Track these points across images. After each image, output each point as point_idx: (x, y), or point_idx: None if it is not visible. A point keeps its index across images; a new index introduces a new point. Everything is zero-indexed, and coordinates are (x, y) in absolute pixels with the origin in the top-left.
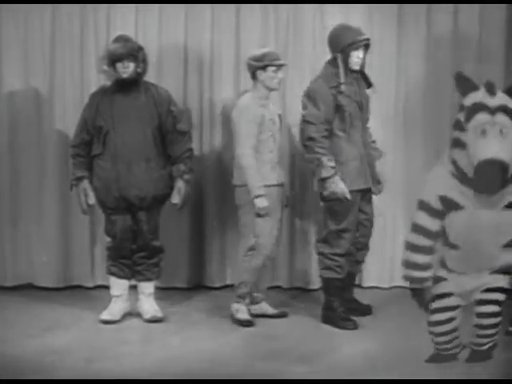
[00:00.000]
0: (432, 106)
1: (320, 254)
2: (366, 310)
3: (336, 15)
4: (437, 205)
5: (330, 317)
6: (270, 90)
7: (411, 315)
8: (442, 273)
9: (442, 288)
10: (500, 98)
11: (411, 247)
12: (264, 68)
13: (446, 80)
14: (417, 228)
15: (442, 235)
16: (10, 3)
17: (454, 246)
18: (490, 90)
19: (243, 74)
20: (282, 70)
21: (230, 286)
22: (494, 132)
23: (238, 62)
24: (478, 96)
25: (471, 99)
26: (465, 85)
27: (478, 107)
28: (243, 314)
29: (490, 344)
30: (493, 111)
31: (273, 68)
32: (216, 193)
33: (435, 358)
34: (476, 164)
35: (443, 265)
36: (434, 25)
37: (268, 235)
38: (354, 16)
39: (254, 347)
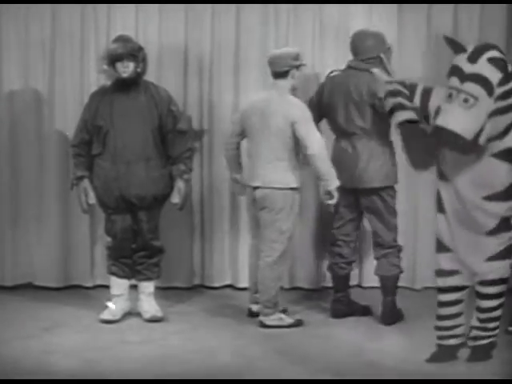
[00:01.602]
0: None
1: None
2: (365, 311)
3: (336, 15)
4: None
5: (398, 314)
6: (295, 89)
7: (411, 315)
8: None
9: (445, 262)
10: (479, 66)
11: None
12: (299, 67)
13: (445, 80)
14: None
15: None
16: (10, 3)
17: (443, 177)
18: (472, 56)
19: (243, 74)
20: None
21: (230, 286)
22: (458, 100)
23: (238, 62)
24: (459, 59)
25: (454, 61)
26: (454, 46)
27: (453, 70)
28: (288, 319)
29: (490, 340)
30: (464, 77)
31: (303, 67)
32: (216, 192)
33: (435, 358)
34: (431, 127)
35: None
36: (434, 25)
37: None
38: (354, 16)
39: (254, 347)
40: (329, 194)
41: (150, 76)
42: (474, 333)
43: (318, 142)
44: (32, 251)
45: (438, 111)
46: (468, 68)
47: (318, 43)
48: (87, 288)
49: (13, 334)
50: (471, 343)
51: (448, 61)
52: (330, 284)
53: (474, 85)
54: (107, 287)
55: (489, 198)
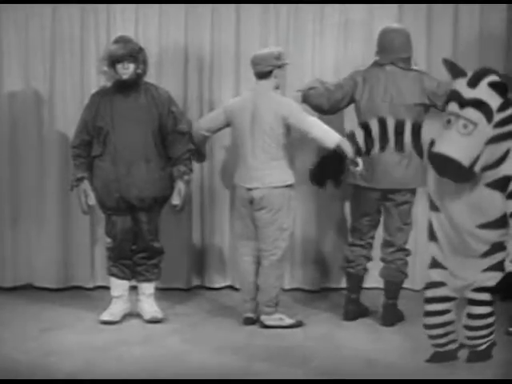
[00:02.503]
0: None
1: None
2: (365, 312)
3: (336, 15)
4: None
5: (399, 315)
6: (277, 88)
7: (411, 315)
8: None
9: (436, 276)
10: (479, 91)
11: None
12: (281, 67)
13: (446, 80)
14: None
15: None
16: (10, 3)
17: (436, 209)
18: (472, 81)
19: (243, 73)
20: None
21: (230, 287)
22: (456, 125)
23: (238, 61)
24: (459, 84)
25: (453, 85)
26: (453, 70)
27: (452, 95)
28: (288, 319)
29: (487, 344)
30: (464, 103)
31: (285, 67)
32: (216, 193)
33: (435, 358)
34: (428, 154)
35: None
36: (435, 25)
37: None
38: (354, 16)
39: (254, 347)
40: (352, 162)
41: (150, 77)
42: (469, 341)
43: (315, 124)
44: (32, 252)
45: (432, 142)
46: (468, 93)
47: (318, 43)
48: (87, 289)
49: (13, 335)
50: (469, 348)
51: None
52: (329, 285)
53: (474, 110)
54: (107, 288)
55: (483, 227)
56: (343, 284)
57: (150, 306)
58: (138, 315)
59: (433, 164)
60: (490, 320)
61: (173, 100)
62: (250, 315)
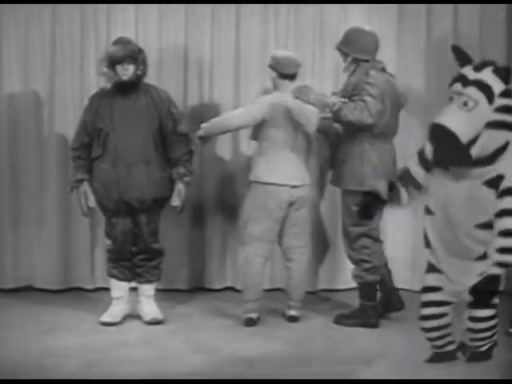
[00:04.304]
0: (432, 105)
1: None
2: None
3: (336, 15)
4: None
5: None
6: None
7: (411, 316)
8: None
9: (431, 280)
10: (483, 74)
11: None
12: None
13: (446, 80)
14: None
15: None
16: (10, 3)
17: (430, 212)
18: (478, 66)
19: (243, 75)
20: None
21: (230, 288)
22: (458, 102)
23: (238, 62)
24: (465, 69)
25: (460, 70)
26: (462, 57)
27: (457, 78)
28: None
29: (489, 345)
30: (466, 83)
31: None
32: (216, 194)
33: (435, 358)
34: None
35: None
36: (434, 25)
37: None
38: (354, 16)
39: (254, 348)
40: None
41: (150, 78)
42: (470, 343)
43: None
44: (32, 254)
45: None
46: (472, 75)
47: (318, 43)
48: (87, 290)
49: (13, 336)
50: (470, 349)
51: (448, 63)
52: (328, 286)
53: (476, 89)
54: (107, 290)
55: (481, 227)
56: (343, 284)
57: (150, 308)
58: (138, 316)
59: (431, 135)
60: (493, 322)
61: (173, 101)
62: (253, 316)
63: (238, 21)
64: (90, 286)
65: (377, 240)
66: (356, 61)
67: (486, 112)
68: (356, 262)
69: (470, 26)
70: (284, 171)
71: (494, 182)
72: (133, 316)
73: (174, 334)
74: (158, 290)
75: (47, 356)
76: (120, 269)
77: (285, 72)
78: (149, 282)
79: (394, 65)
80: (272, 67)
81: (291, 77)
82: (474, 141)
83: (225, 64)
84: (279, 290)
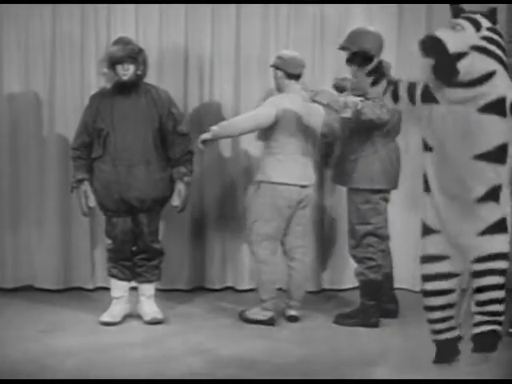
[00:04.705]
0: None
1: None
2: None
3: (336, 15)
4: None
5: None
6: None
7: (411, 316)
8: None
9: (432, 246)
10: (473, 15)
11: None
12: None
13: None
14: None
15: None
16: (10, 3)
17: (429, 149)
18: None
19: (243, 75)
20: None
21: (231, 288)
22: (448, 26)
23: (238, 62)
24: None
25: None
26: (456, 11)
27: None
28: None
29: (492, 326)
30: (458, 16)
31: None
32: (216, 194)
33: (441, 358)
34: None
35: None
36: (434, 25)
37: None
38: (354, 16)
39: (254, 348)
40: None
41: (150, 78)
42: (476, 318)
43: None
44: (32, 253)
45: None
46: (463, 15)
47: (318, 44)
48: (88, 290)
49: (13, 336)
50: (474, 330)
51: None
52: (328, 286)
53: (465, 20)
54: (108, 289)
55: (479, 158)
56: (342, 285)
57: (150, 307)
58: (139, 316)
59: (421, 46)
60: (498, 294)
61: (173, 101)
62: (272, 315)
63: (238, 21)
64: (90, 286)
65: (384, 238)
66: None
67: (472, 35)
68: (360, 259)
69: None
70: (295, 171)
71: (495, 107)
72: (133, 316)
73: (174, 334)
74: (158, 290)
75: (47, 356)
76: (120, 268)
77: (292, 72)
78: (149, 281)
79: (394, 65)
80: (279, 67)
81: (297, 77)
82: (461, 56)
83: (225, 64)
84: (279, 289)
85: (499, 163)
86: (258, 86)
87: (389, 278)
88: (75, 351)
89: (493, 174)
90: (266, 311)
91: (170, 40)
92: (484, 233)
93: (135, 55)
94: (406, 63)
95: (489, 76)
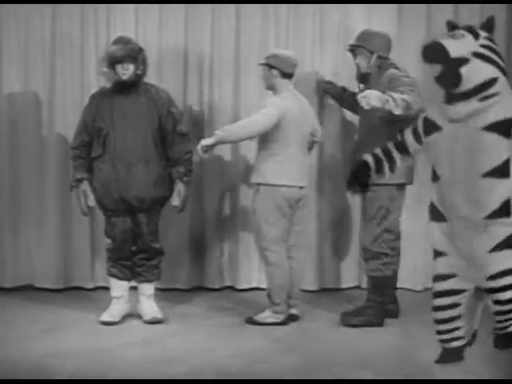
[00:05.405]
0: (431, 106)
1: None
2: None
3: (336, 15)
4: None
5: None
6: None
7: (411, 315)
8: (441, 245)
9: (441, 267)
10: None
11: None
12: None
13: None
14: None
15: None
16: (10, 3)
17: (436, 178)
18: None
19: (243, 74)
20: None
21: (230, 288)
22: (449, 35)
23: (238, 62)
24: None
25: None
26: (451, 27)
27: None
28: None
29: None
30: (457, 28)
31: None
32: (216, 194)
33: (443, 358)
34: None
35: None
36: (434, 25)
37: None
38: (354, 16)
39: (254, 348)
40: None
41: (150, 77)
42: (499, 325)
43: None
44: (32, 253)
45: None
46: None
47: (318, 43)
48: (87, 290)
49: (13, 335)
50: (497, 332)
51: None
52: (329, 285)
53: (463, 30)
54: (107, 289)
55: (488, 175)
56: (341, 284)
57: (149, 307)
58: (138, 316)
59: (423, 53)
60: None
61: (173, 101)
62: (285, 317)
63: (238, 21)
64: (89, 285)
65: (397, 236)
66: (379, 58)
67: (471, 43)
68: (376, 255)
69: None
70: (294, 172)
71: (501, 127)
72: (133, 315)
73: (174, 334)
74: (157, 290)
75: (47, 355)
76: (120, 268)
77: (288, 71)
78: (149, 281)
79: None
80: (274, 66)
81: (291, 76)
82: (462, 61)
83: (225, 64)
84: None
85: (506, 177)
86: (257, 85)
87: (394, 276)
88: (75, 350)
89: (504, 189)
90: (279, 314)
91: (170, 40)
92: (495, 249)
93: (135, 55)
94: (405, 63)
95: (491, 83)
